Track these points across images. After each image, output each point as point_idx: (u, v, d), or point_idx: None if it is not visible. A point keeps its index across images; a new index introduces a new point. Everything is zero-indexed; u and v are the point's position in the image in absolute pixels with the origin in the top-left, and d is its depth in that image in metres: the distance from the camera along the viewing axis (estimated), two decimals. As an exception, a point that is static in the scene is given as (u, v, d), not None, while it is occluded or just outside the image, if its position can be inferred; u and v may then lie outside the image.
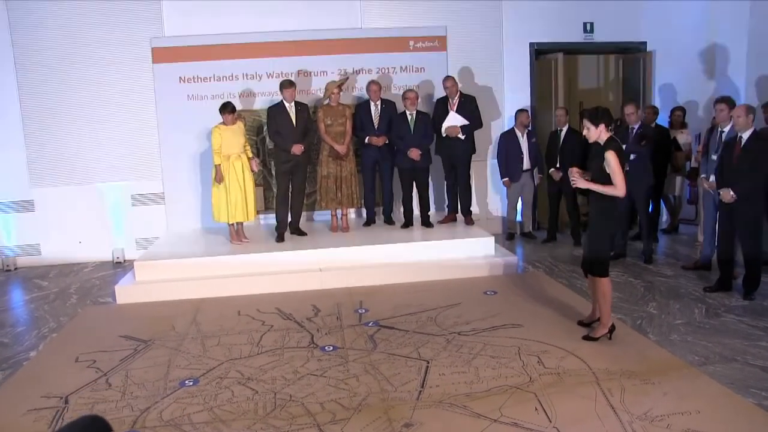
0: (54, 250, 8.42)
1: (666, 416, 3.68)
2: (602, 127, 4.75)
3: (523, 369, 4.44)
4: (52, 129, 8.23)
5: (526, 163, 8.64)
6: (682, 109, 8.63)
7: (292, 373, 4.53)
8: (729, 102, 6.26)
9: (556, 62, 9.03)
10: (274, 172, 7.98)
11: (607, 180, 4.70)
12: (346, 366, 4.62)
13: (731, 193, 5.71)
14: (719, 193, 5.87)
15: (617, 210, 4.93)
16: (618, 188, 4.66)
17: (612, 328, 4.93)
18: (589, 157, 5.04)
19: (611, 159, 4.63)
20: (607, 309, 4.92)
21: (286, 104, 7.46)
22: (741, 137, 5.75)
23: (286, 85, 7.43)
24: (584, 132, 4.87)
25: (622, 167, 4.69)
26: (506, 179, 8.62)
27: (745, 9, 8.31)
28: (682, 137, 8.50)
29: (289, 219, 7.71)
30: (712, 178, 6.26)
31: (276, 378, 4.45)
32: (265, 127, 8.06)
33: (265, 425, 3.77)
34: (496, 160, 8.97)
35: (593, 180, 4.77)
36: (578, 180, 4.79)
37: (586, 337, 4.97)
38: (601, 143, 4.76)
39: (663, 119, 8.67)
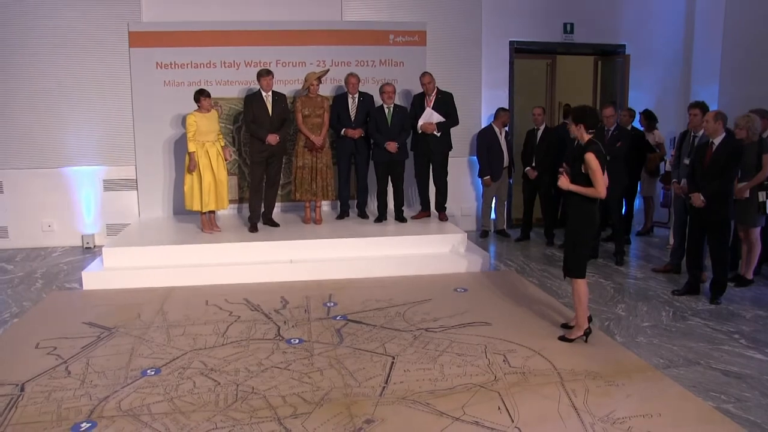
0: (22, 234, 8.30)
1: (628, 418, 3.69)
2: (582, 127, 4.75)
3: (488, 367, 4.43)
4: (23, 110, 8.09)
5: (506, 161, 8.65)
6: (645, 112, 8.69)
7: (256, 365, 4.48)
8: (702, 107, 6.31)
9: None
10: (249, 162, 7.91)
11: (586, 182, 4.70)
12: (310, 359, 4.58)
13: (701, 197, 5.74)
14: (690, 197, 5.90)
15: (597, 213, 4.92)
16: (598, 190, 4.66)
17: (588, 331, 4.91)
18: (572, 159, 5.02)
19: (590, 161, 4.62)
20: (582, 311, 4.91)
21: (263, 93, 7.39)
22: (713, 142, 5.79)
23: (264, 74, 7.36)
24: (570, 128, 4.90)
25: (603, 169, 4.69)
26: (488, 177, 8.59)
27: (720, 17, 8.41)
28: (652, 138, 8.57)
29: (262, 209, 7.66)
30: (684, 182, 6.30)
31: (239, 370, 4.40)
32: (242, 116, 8.00)
33: (224, 417, 3.72)
34: (471, 157, 8.99)
35: (573, 182, 4.78)
36: (562, 181, 4.80)
37: (562, 338, 4.97)
38: (582, 144, 4.77)
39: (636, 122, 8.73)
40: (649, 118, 8.66)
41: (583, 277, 4.89)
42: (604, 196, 4.71)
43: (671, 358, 4.61)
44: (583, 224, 4.86)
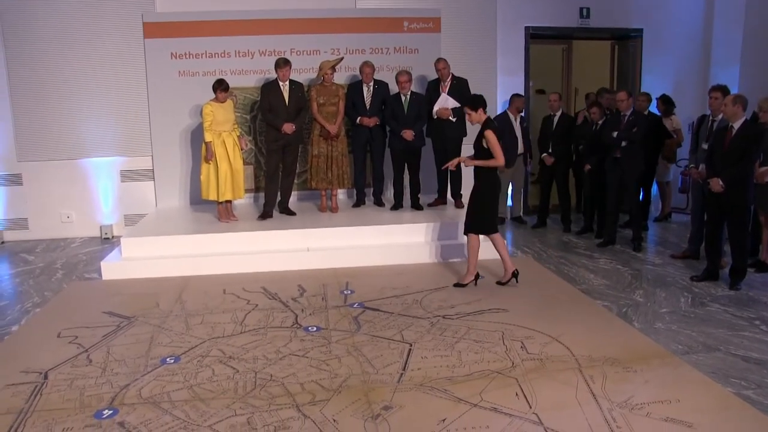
0: (42, 225, 8.39)
1: (646, 404, 3.67)
2: (480, 111, 5.63)
3: (506, 354, 4.43)
4: (41, 103, 8.15)
5: (520, 148, 8.61)
6: (662, 97, 8.59)
7: (274, 352, 4.51)
8: (723, 90, 6.21)
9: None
10: (264, 151, 7.93)
11: (487, 155, 5.55)
12: (328, 347, 4.60)
13: (720, 182, 5.68)
14: (708, 183, 5.84)
15: (498, 179, 5.82)
16: (497, 160, 5.54)
17: (478, 276, 5.89)
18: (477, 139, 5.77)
19: (489, 136, 5.50)
20: (473, 260, 5.86)
21: (281, 83, 7.39)
22: (732, 126, 5.71)
23: (282, 63, 7.34)
24: (467, 117, 5.75)
25: (500, 140, 5.54)
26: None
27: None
28: (669, 123, 8.48)
29: (279, 198, 7.67)
30: (702, 167, 6.24)
31: (258, 357, 4.43)
32: (257, 105, 8.01)
33: (244, 404, 3.75)
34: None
35: (477, 157, 5.67)
36: (466, 161, 5.80)
37: (457, 285, 5.91)
38: (480, 124, 5.63)
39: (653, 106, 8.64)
40: (666, 103, 8.56)
41: (496, 231, 5.81)
42: (503, 163, 5.61)
43: (690, 345, 4.58)
44: (488, 191, 5.73)
